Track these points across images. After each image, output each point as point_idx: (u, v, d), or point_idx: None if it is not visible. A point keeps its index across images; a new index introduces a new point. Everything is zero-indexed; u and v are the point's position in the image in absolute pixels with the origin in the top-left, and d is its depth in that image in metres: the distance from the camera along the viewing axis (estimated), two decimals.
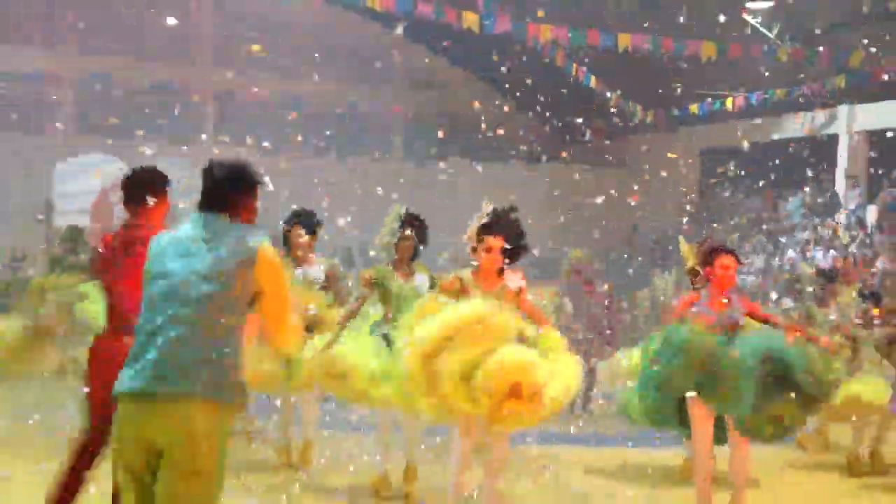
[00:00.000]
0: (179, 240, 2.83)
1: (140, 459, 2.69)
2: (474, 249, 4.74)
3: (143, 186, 3.92)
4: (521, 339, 4.63)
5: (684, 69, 17.60)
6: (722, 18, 15.68)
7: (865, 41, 15.64)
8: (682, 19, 15.71)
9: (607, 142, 22.54)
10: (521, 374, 4.35)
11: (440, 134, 20.04)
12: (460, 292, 4.72)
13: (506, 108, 21.67)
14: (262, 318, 2.91)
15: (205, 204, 2.88)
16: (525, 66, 18.50)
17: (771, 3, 16.21)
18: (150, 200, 3.82)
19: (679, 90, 18.70)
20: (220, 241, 2.76)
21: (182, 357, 2.68)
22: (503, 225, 4.70)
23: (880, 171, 17.56)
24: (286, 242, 6.15)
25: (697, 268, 5.72)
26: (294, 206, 6.44)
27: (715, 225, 18.29)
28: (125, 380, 2.72)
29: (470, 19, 15.69)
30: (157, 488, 2.68)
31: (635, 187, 19.59)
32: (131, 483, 2.73)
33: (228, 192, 2.89)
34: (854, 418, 6.60)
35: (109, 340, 3.74)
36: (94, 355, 3.92)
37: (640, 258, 17.55)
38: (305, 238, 6.24)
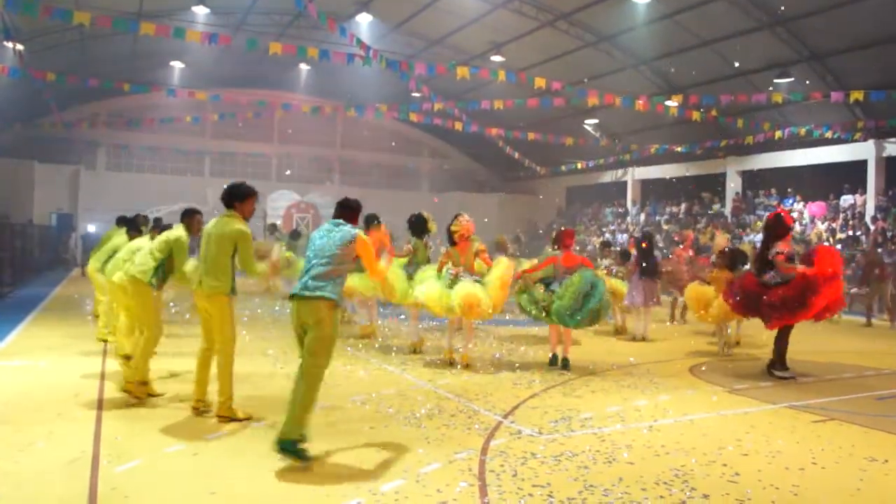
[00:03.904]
0: (321, 229, 5.41)
1: (299, 328, 5.14)
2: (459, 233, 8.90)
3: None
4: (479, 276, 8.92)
5: (556, 149, 29.77)
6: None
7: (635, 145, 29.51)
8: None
9: (518, 181, 37.37)
10: (472, 298, 8.55)
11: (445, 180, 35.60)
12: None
13: (478, 170, 37.85)
14: (363, 264, 5.49)
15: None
16: (487, 148, 33.14)
17: (596, 121, 30.07)
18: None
19: (558, 159, 32.51)
20: (339, 231, 5.30)
21: (318, 281, 5.08)
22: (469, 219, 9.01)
23: (646, 201, 32.43)
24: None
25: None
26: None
27: (575, 224, 32.11)
28: (294, 288, 5.22)
29: (457, 125, 26.21)
30: (305, 342, 5.11)
31: (535, 203, 34.95)
32: (296, 338, 5.21)
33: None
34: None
35: None
36: None
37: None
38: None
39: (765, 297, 8.77)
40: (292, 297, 5.21)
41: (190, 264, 7.22)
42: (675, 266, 13.03)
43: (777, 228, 9.01)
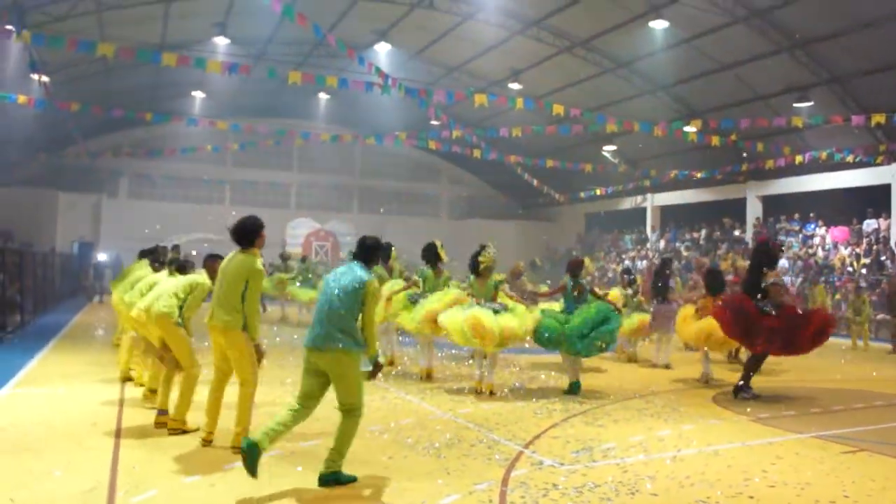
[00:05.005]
0: (335, 272, 5.41)
1: (312, 373, 5.14)
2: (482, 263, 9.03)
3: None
4: (503, 305, 8.96)
5: (574, 176, 30.98)
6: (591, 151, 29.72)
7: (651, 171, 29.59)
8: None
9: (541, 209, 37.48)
10: (475, 322, 8.56)
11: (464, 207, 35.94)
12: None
13: (497, 197, 38.11)
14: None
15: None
16: (506, 175, 33.17)
17: (614, 148, 30.14)
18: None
19: (576, 186, 32.91)
20: (350, 275, 5.26)
21: (333, 328, 5.05)
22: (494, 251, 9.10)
23: (666, 227, 32.14)
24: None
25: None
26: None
27: (594, 251, 32.28)
28: (309, 338, 5.16)
29: (476, 153, 26.59)
30: (335, 387, 5.09)
31: (554, 230, 35.02)
32: (304, 373, 5.22)
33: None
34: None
35: None
36: None
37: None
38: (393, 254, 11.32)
39: (756, 324, 8.97)
40: (310, 349, 5.17)
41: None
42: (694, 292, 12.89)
43: (768, 258, 9.26)
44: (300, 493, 4.92)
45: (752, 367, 9.36)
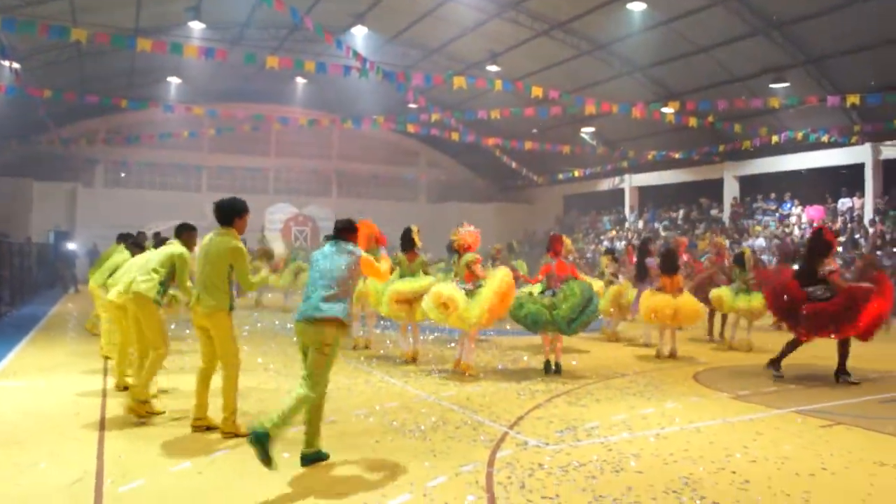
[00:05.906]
0: (323, 251, 5.53)
1: (306, 348, 5.20)
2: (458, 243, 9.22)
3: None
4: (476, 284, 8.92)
5: (553, 158, 29.97)
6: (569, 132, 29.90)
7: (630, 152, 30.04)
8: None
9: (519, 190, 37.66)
10: (437, 297, 8.77)
11: (442, 190, 35.73)
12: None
13: (475, 180, 37.78)
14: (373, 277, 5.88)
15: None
16: (484, 158, 33.22)
17: (592, 129, 29.99)
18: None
19: (554, 167, 32.71)
20: (343, 251, 5.41)
21: (327, 302, 5.15)
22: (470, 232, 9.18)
23: (644, 208, 32.67)
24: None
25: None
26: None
27: (573, 233, 32.06)
28: (300, 311, 5.28)
29: (454, 135, 26.54)
30: (308, 358, 5.19)
31: (532, 212, 35.12)
32: (302, 353, 5.30)
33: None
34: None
35: None
36: None
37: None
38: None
39: (804, 309, 8.83)
40: (299, 321, 5.26)
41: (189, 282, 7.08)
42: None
43: (820, 245, 9.11)
44: (288, 479, 4.94)
45: (789, 349, 9.27)
